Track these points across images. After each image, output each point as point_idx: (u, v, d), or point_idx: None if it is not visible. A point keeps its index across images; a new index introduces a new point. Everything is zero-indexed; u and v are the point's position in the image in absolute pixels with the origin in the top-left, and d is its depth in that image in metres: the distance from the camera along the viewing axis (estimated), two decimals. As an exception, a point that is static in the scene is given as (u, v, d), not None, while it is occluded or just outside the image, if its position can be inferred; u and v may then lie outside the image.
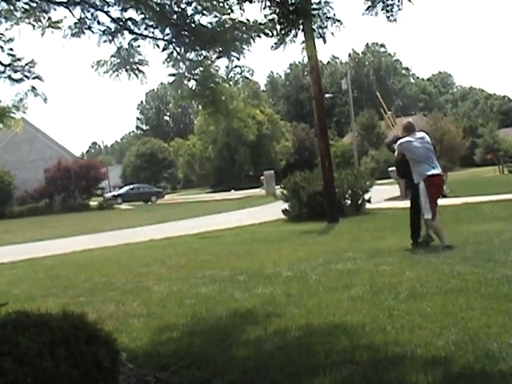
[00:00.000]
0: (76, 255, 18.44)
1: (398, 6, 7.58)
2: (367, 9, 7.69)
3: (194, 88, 8.71)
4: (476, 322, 6.53)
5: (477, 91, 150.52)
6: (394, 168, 31.98)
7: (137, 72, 8.26)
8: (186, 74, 8.42)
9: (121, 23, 7.74)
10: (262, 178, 59.32)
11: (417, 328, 6.51)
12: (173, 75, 8.53)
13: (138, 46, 8.11)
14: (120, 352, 4.73)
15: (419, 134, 13.45)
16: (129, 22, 7.71)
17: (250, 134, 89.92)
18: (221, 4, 7.54)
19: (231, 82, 8.99)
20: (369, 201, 24.64)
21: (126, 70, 8.24)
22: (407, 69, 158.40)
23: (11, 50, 8.64)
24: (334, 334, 6.64)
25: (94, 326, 4.55)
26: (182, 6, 7.52)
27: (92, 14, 7.80)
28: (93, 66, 8.28)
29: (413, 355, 5.69)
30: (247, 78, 10.38)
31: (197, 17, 7.59)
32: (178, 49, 8.01)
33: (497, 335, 5.99)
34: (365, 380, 5.18)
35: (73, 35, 7.89)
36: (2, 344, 3.94)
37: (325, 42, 8.08)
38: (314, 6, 7.64)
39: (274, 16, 7.34)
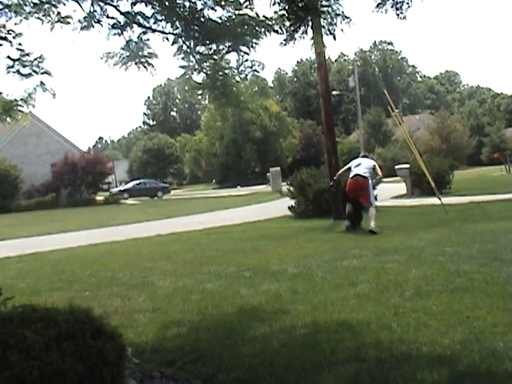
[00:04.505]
0: (82, 250, 18.46)
1: (408, 3, 7.58)
2: (377, 6, 7.68)
3: (204, 80, 8.72)
4: (482, 320, 6.52)
5: (484, 90, 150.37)
6: (400, 166, 32.18)
7: (146, 65, 8.28)
8: (196, 66, 8.43)
9: (130, 17, 7.74)
10: (268, 174, 59.25)
11: (422, 326, 6.51)
12: (183, 67, 8.54)
13: (148, 40, 8.13)
14: (126, 347, 4.73)
15: (365, 159, 17.92)
16: (138, 16, 7.72)
17: (258, 129, 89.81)
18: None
19: (241, 76, 8.97)
20: (375, 198, 24.61)
21: (136, 63, 8.25)
22: (414, 67, 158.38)
23: (20, 44, 8.66)
24: (339, 332, 6.64)
25: (100, 320, 4.56)
26: (192, 0, 7.53)
27: (101, 8, 7.80)
28: (102, 58, 8.29)
29: (418, 353, 5.68)
30: (257, 71, 10.25)
31: (206, 11, 7.60)
32: (187, 42, 8.01)
33: (503, 334, 5.99)
34: (370, 378, 5.17)
35: (82, 29, 7.90)
36: (9, 337, 3.95)
37: (335, 38, 8.09)
38: (324, 3, 7.64)
39: (283, 12, 7.33)
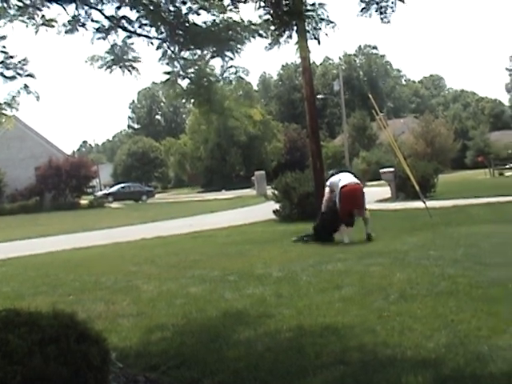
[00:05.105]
0: (66, 254, 18.40)
1: (392, 7, 7.59)
2: (361, 10, 7.69)
3: (188, 86, 8.72)
4: (466, 324, 6.55)
5: (468, 94, 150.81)
6: (385, 170, 32.26)
7: (130, 69, 8.26)
8: (181, 72, 8.43)
9: (115, 21, 7.73)
10: (253, 178, 59.24)
11: (407, 330, 6.53)
12: (168, 73, 8.53)
13: (132, 44, 8.12)
14: (110, 351, 4.72)
15: (344, 174, 16.70)
16: (123, 20, 7.70)
17: (243, 133, 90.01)
18: (215, 3, 7.54)
19: (225, 82, 8.98)
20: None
21: (120, 67, 8.24)
22: (399, 71, 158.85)
23: (4, 47, 8.62)
24: (324, 335, 6.65)
25: (84, 325, 4.54)
26: (177, 4, 7.52)
27: (86, 12, 7.78)
28: (87, 61, 8.27)
29: (403, 357, 5.70)
30: (242, 78, 10.25)
31: (191, 16, 7.60)
32: (172, 47, 8.01)
33: (487, 338, 6.02)
34: (355, 381, 5.18)
35: (66, 32, 7.87)
36: (-8, 342, 3.93)
37: (319, 43, 8.08)
38: (308, 8, 7.64)
39: (268, 16, 7.34)
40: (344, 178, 15.91)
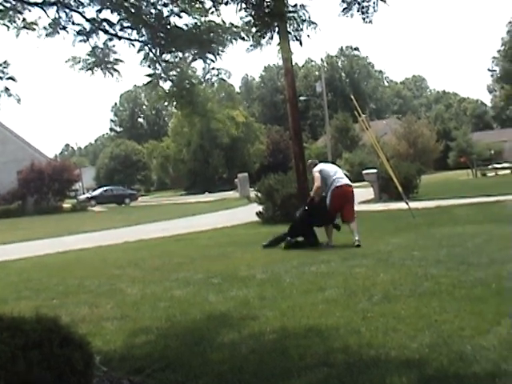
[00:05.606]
0: (49, 258, 18.28)
1: (374, 7, 7.61)
2: (343, 10, 7.70)
3: (170, 89, 8.71)
4: (449, 324, 6.57)
5: (450, 95, 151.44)
6: (368, 171, 32.31)
7: (112, 71, 8.24)
8: (163, 74, 8.42)
9: (96, 24, 7.71)
10: (235, 180, 59.16)
11: (391, 330, 6.54)
12: (149, 76, 8.52)
13: (113, 46, 8.10)
14: (94, 355, 4.70)
15: (335, 166, 16.53)
16: (104, 23, 7.69)
17: (226, 135, 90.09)
18: (197, 5, 7.54)
19: (207, 84, 8.98)
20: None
21: (101, 69, 8.22)
22: (381, 72, 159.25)
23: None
24: (308, 337, 6.65)
25: (67, 329, 4.52)
26: (158, 7, 7.52)
27: (67, 15, 7.76)
28: (67, 62, 8.24)
29: (387, 358, 5.71)
30: (224, 80, 10.27)
31: (172, 18, 7.60)
32: (153, 50, 8.01)
33: (470, 338, 6.04)
34: (339, 383, 5.18)
35: (47, 35, 7.85)
36: (-25, 347, 3.90)
37: (301, 44, 8.09)
38: (290, 9, 7.65)
39: (250, 18, 7.34)
40: (339, 176, 15.05)
